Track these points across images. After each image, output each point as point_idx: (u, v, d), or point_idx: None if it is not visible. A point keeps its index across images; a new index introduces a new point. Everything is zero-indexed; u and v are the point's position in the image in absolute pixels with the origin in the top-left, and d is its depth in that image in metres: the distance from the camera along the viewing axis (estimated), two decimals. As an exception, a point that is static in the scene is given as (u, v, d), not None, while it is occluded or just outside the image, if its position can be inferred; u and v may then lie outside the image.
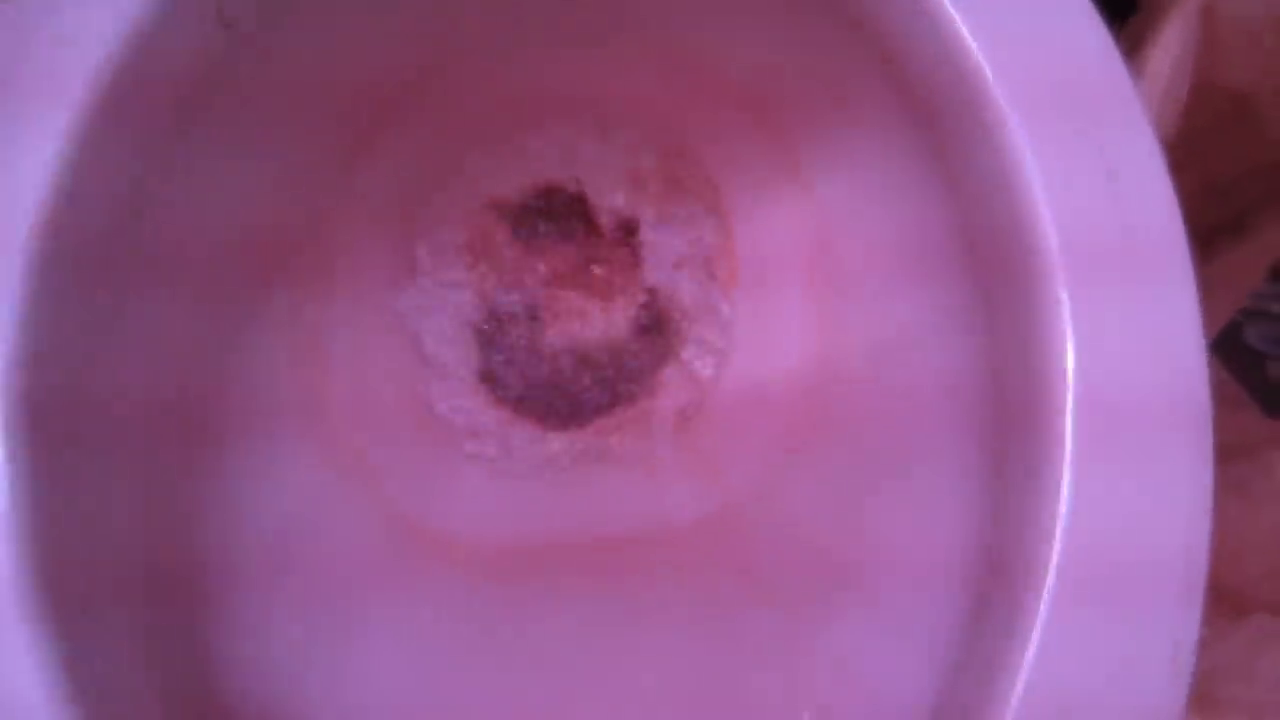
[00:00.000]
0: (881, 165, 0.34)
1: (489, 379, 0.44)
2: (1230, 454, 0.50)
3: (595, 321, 0.46)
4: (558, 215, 0.47)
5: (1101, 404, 0.23)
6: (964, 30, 0.26)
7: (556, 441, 0.42)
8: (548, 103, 0.46)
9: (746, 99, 0.42)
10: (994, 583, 0.24)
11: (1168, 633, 0.20)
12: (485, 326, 0.45)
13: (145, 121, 0.30)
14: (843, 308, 0.38)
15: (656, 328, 0.46)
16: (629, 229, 0.47)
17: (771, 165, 0.43)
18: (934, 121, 0.29)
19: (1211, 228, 0.52)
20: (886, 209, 0.34)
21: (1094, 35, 0.27)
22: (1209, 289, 0.53)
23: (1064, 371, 0.23)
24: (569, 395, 0.44)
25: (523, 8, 0.41)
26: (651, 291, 0.46)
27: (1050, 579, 0.21)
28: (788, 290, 0.42)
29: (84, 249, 0.28)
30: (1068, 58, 0.27)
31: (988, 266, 0.27)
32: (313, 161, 0.38)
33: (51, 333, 0.27)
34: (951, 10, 0.26)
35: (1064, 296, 0.25)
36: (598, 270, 0.47)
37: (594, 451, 0.41)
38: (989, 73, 0.26)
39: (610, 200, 0.47)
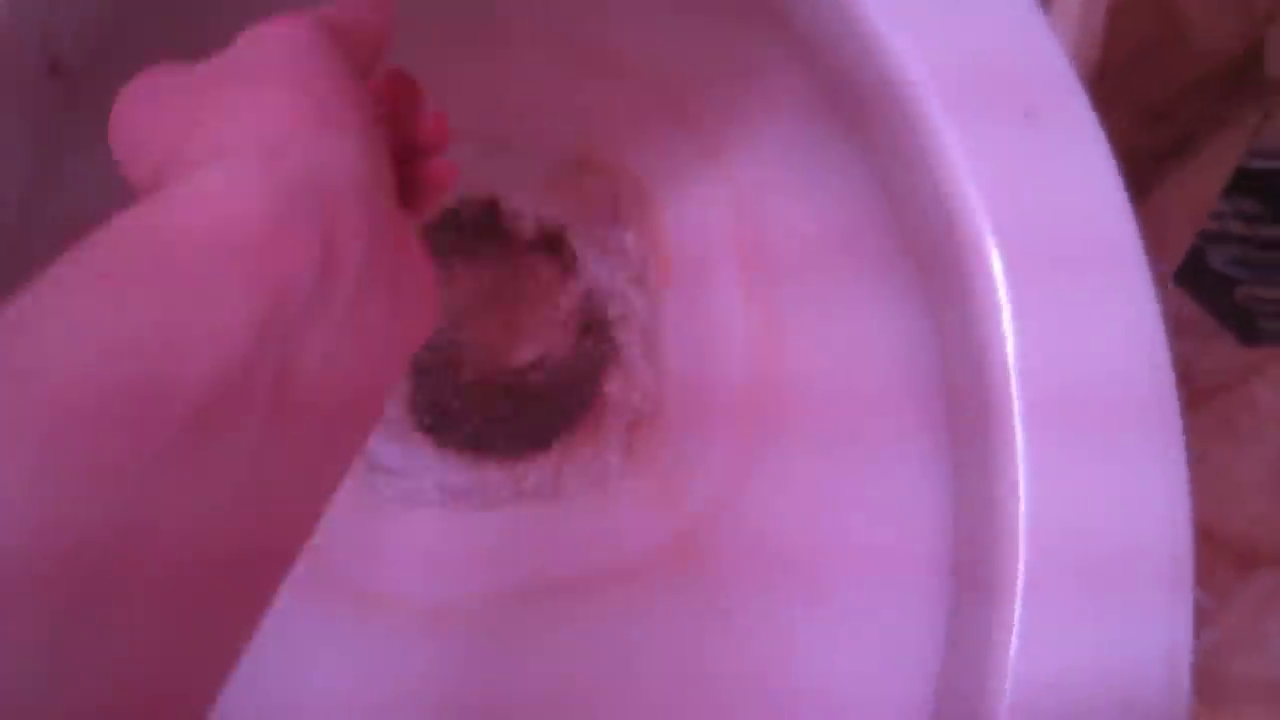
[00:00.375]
0: (804, 152, 0.32)
1: (422, 419, 0.41)
2: (1211, 391, 0.48)
3: (526, 341, 0.43)
4: (475, 232, 0.44)
5: (1050, 396, 0.20)
6: (879, 20, 0.24)
7: (499, 476, 0.39)
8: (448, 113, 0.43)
9: (661, 92, 0.40)
10: (967, 584, 0.21)
11: (1158, 626, 0.18)
12: (421, 369, 0.42)
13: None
14: (782, 304, 0.36)
15: (592, 340, 0.43)
16: (553, 238, 0.44)
17: (693, 157, 0.40)
18: (855, 109, 0.27)
19: (1157, 152, 0.50)
20: (813, 199, 0.32)
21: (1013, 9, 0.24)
22: (1163, 217, 0.51)
23: (1005, 364, 0.21)
24: (508, 424, 0.42)
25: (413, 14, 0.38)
26: (585, 299, 0.44)
27: (1020, 576, 0.18)
28: (724, 289, 0.39)
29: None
30: (987, 37, 0.24)
31: (924, 258, 0.25)
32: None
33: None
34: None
35: (1000, 288, 0.22)
36: (523, 285, 0.44)
37: (542, 485, 0.39)
38: (908, 58, 0.23)
39: (530, 209, 0.44)
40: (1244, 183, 0.43)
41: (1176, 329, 0.49)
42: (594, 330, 0.43)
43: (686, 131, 0.40)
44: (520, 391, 0.42)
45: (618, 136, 0.42)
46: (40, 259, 0.15)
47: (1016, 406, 0.20)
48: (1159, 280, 0.48)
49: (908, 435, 0.27)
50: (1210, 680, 0.39)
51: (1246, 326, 0.46)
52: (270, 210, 0.16)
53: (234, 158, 0.17)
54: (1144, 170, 0.51)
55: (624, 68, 0.40)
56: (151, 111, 0.19)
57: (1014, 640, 0.19)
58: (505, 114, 0.43)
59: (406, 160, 0.24)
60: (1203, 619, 0.44)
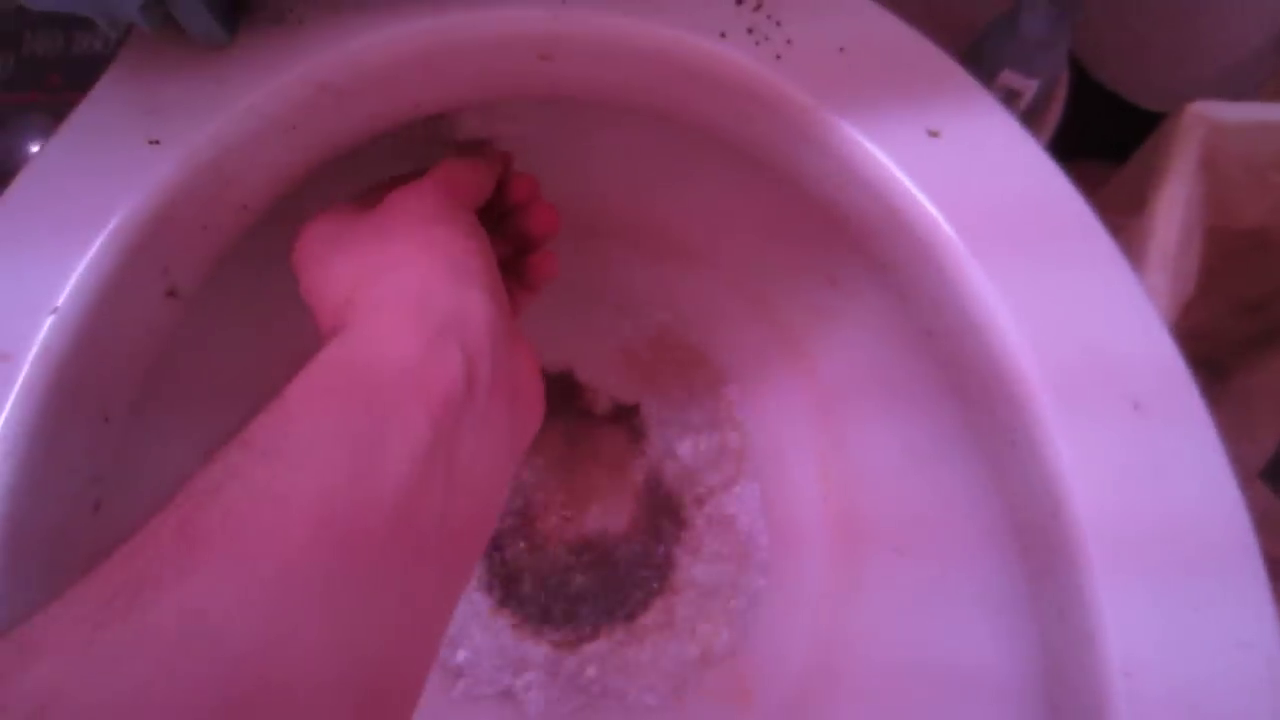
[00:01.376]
0: (891, 368, 0.32)
1: (502, 601, 0.41)
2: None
3: (594, 511, 0.44)
4: (557, 406, 0.45)
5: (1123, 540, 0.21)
6: (934, 211, 0.25)
7: (571, 657, 0.39)
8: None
9: (740, 285, 0.41)
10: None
11: None
12: (492, 545, 0.43)
13: (99, 406, 0.28)
14: (864, 555, 0.36)
15: (665, 515, 0.43)
16: (630, 415, 0.45)
17: (769, 345, 0.41)
18: (909, 286, 0.27)
19: (1249, 339, 0.49)
20: (899, 415, 0.32)
21: (1045, 174, 0.25)
22: (1248, 404, 0.49)
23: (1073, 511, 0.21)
24: (579, 596, 0.42)
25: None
26: (654, 474, 0.44)
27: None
28: (801, 470, 0.39)
29: (44, 542, 0.26)
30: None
31: (1024, 536, 0.25)
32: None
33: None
34: (917, 194, 0.25)
35: (1052, 428, 0.22)
36: (602, 458, 0.45)
37: (615, 665, 0.38)
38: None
39: (606, 384, 0.45)
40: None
41: (1264, 526, 0.47)
42: (661, 507, 0.43)
43: (767, 323, 0.41)
44: (599, 561, 0.42)
45: (699, 323, 0.43)
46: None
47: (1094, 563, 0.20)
48: (1244, 477, 0.47)
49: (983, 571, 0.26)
50: None
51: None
52: (425, 345, 0.22)
53: (393, 311, 0.23)
54: (1238, 354, 0.51)
55: (708, 261, 0.41)
56: (327, 258, 0.26)
57: None
58: (591, 294, 0.44)
59: (521, 249, 0.32)
60: None
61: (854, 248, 0.29)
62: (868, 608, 0.34)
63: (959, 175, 0.25)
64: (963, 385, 0.26)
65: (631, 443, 0.44)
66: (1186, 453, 0.23)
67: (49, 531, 0.27)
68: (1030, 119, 0.43)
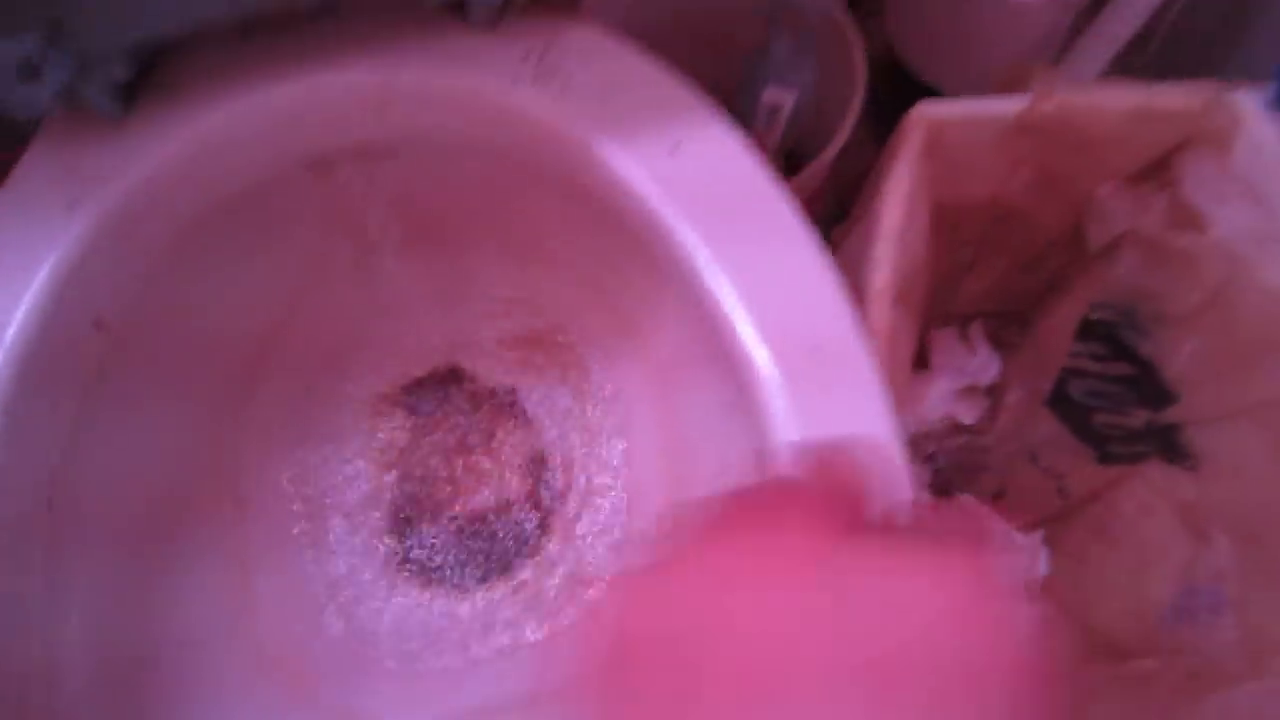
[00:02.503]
0: (678, 313, 0.40)
1: (403, 563, 0.49)
2: (1084, 502, 0.55)
3: (485, 485, 0.51)
4: (440, 394, 0.53)
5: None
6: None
7: (469, 607, 0.47)
8: (420, 294, 0.52)
9: (589, 277, 0.48)
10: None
11: None
12: (397, 515, 0.50)
13: (49, 417, 0.35)
14: (684, 440, 0.44)
15: (540, 482, 0.51)
16: (510, 396, 0.52)
17: (614, 329, 0.49)
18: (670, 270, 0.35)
19: (1031, 293, 0.58)
20: (690, 346, 0.40)
21: (757, 175, 0.33)
22: (1039, 347, 0.58)
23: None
24: (482, 554, 0.49)
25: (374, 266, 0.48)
26: (536, 446, 0.52)
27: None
28: (647, 450, 0.47)
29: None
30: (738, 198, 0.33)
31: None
32: (206, 415, 0.44)
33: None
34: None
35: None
36: (485, 436, 0.52)
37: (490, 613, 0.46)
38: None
39: (491, 375, 0.53)
40: (1090, 329, 0.51)
41: (1053, 447, 0.56)
42: (537, 475, 0.51)
43: (610, 312, 0.49)
44: (493, 522, 0.50)
45: (557, 314, 0.51)
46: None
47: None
48: (1036, 399, 0.55)
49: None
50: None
51: (1102, 448, 0.53)
52: None
53: None
54: (1029, 306, 0.60)
55: (566, 265, 0.49)
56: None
57: None
58: (467, 295, 0.52)
59: None
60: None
61: (640, 245, 0.37)
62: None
63: (690, 183, 0.33)
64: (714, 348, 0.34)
65: (513, 420, 0.52)
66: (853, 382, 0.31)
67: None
68: (832, 115, 0.52)
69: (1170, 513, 0.50)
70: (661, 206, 0.33)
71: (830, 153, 0.49)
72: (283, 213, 0.42)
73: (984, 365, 0.60)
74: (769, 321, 0.32)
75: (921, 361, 0.62)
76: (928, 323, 0.61)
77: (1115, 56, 0.57)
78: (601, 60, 0.35)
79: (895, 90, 0.67)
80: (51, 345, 0.34)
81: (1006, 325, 0.62)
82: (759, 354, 0.32)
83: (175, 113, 0.35)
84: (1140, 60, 0.61)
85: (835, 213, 0.68)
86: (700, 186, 0.33)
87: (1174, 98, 0.42)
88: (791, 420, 0.31)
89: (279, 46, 0.36)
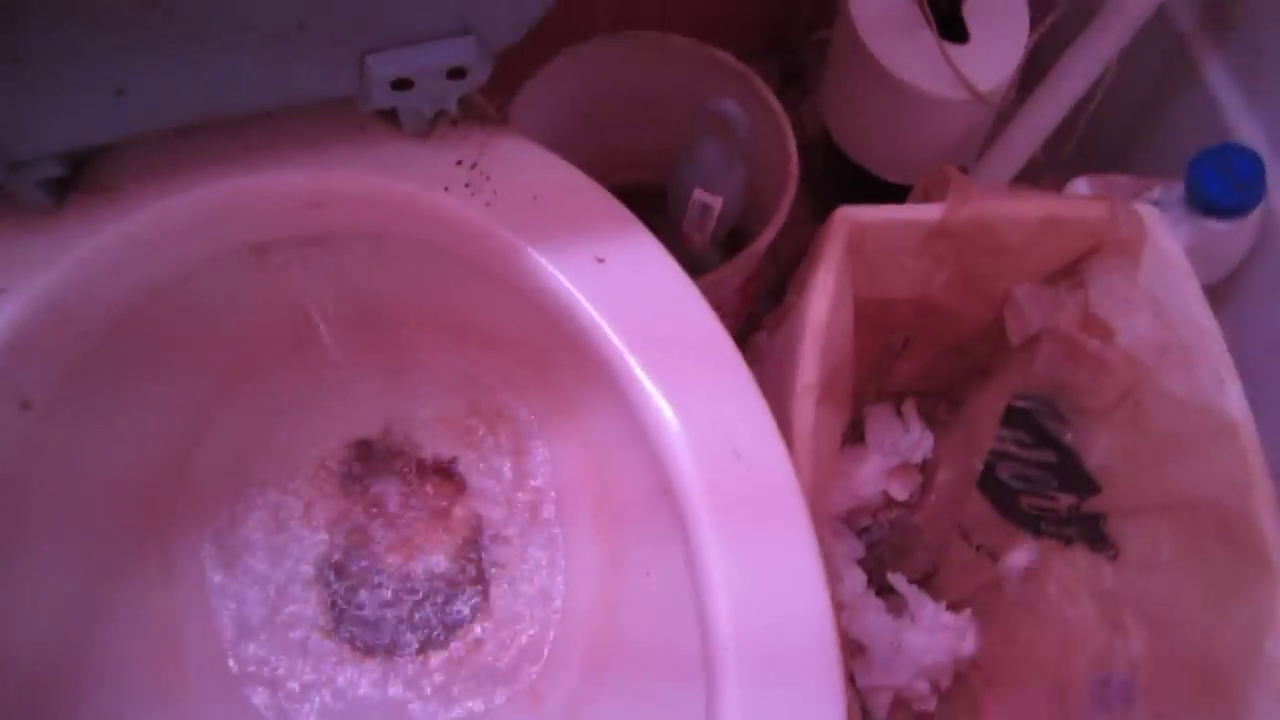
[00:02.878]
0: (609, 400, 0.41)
1: (330, 628, 0.49)
2: (1021, 578, 0.56)
3: (421, 553, 0.51)
4: (381, 464, 0.53)
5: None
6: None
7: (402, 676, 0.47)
8: (360, 370, 0.53)
9: (524, 356, 0.49)
10: None
11: None
12: (326, 580, 0.50)
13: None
14: (620, 542, 0.45)
15: (474, 554, 0.51)
16: (449, 468, 0.53)
17: (553, 407, 0.50)
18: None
19: (960, 374, 0.60)
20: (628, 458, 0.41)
21: (681, 288, 0.34)
22: (968, 429, 0.60)
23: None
24: (409, 626, 0.49)
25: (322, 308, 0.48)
26: (474, 520, 0.52)
27: None
28: (582, 526, 0.48)
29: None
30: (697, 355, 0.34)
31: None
32: (137, 493, 0.44)
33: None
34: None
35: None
36: (425, 506, 0.53)
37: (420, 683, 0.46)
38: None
39: (432, 445, 0.53)
40: (1015, 416, 0.53)
41: (981, 530, 0.58)
42: (475, 546, 0.51)
43: (549, 388, 0.49)
44: (425, 592, 0.50)
45: (499, 389, 0.52)
46: None
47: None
48: (967, 480, 0.57)
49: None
50: None
51: (1031, 527, 0.54)
52: None
53: None
54: (955, 387, 0.61)
55: (500, 340, 0.50)
56: None
57: None
58: (405, 370, 0.53)
59: None
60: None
61: (572, 342, 0.38)
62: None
63: (616, 293, 0.34)
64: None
65: (452, 490, 0.53)
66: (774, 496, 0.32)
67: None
68: (771, 193, 0.54)
69: (1093, 599, 0.51)
70: (589, 317, 0.35)
71: (764, 241, 0.51)
72: (220, 296, 0.43)
73: (917, 442, 0.62)
74: (694, 432, 0.33)
75: (857, 434, 0.63)
76: (862, 399, 0.62)
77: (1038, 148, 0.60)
78: (530, 170, 0.37)
79: (833, 165, 0.69)
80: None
81: (938, 403, 0.63)
82: (684, 463, 0.33)
83: (108, 206, 0.36)
84: (1062, 151, 0.64)
85: (775, 288, 0.70)
86: (625, 299, 0.34)
87: (1084, 207, 0.44)
88: (712, 536, 0.32)
89: (215, 144, 0.36)
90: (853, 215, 0.43)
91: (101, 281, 0.36)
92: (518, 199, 0.36)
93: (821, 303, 0.41)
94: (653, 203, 0.69)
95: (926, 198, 0.45)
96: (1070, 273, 0.46)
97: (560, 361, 0.46)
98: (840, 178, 0.69)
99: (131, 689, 0.43)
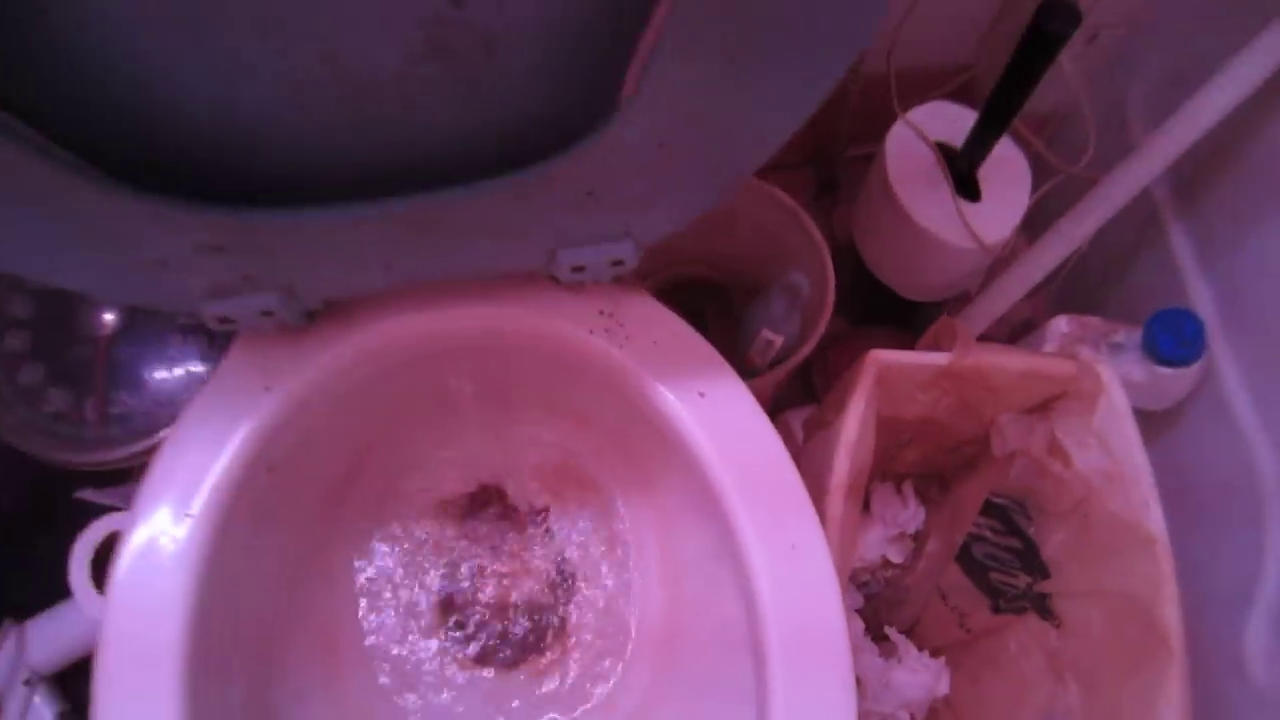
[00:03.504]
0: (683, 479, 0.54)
1: (441, 633, 0.62)
2: (980, 636, 0.70)
3: (519, 584, 0.65)
4: (489, 509, 0.66)
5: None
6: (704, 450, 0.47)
7: (495, 682, 0.61)
8: (476, 431, 0.66)
9: (613, 438, 0.63)
10: None
11: None
12: (445, 595, 0.64)
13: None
14: (684, 570, 0.58)
15: (563, 586, 0.65)
16: (542, 517, 0.66)
17: (632, 476, 0.63)
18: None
19: (952, 467, 0.73)
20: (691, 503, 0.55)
21: (759, 422, 0.48)
22: (955, 511, 0.74)
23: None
24: (508, 641, 0.63)
25: (452, 395, 0.62)
26: (559, 559, 0.65)
27: None
28: (650, 567, 0.61)
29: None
30: (766, 470, 0.48)
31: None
32: (312, 521, 0.57)
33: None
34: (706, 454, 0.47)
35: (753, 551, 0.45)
36: (522, 545, 0.66)
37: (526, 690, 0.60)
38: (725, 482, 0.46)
39: (529, 497, 0.67)
40: (991, 508, 0.67)
41: (958, 591, 0.72)
42: (561, 580, 0.65)
43: (630, 464, 0.63)
44: (519, 615, 0.64)
45: (589, 461, 0.65)
46: None
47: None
48: (949, 552, 0.70)
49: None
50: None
51: (995, 599, 0.68)
52: None
53: None
54: (950, 474, 0.75)
55: (591, 422, 0.63)
56: None
57: None
58: (513, 441, 0.66)
59: None
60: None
61: (663, 439, 0.52)
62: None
63: (712, 419, 0.48)
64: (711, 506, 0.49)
65: (544, 535, 0.66)
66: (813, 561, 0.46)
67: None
68: (810, 310, 0.67)
69: (1041, 657, 0.65)
70: (689, 433, 0.48)
71: (802, 355, 0.64)
72: (400, 382, 0.56)
73: (912, 516, 0.75)
74: (758, 528, 0.47)
75: (864, 507, 0.77)
76: (870, 479, 0.76)
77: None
78: (652, 321, 0.50)
79: (859, 272, 0.83)
80: (238, 483, 0.48)
81: (931, 484, 0.77)
82: (755, 553, 0.46)
83: (346, 327, 0.49)
84: (1047, 292, 0.78)
85: (809, 369, 0.83)
86: (716, 424, 0.48)
87: (1056, 365, 0.57)
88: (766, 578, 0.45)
89: (424, 287, 0.50)
90: (881, 358, 0.57)
91: (336, 378, 0.50)
92: (644, 342, 0.50)
93: (854, 424, 0.55)
94: (704, 292, 0.83)
95: (936, 344, 0.59)
96: (1043, 409, 0.60)
97: (645, 447, 0.60)
98: (863, 283, 0.83)
99: (308, 655, 0.56)
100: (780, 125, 0.38)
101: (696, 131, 0.37)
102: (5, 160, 0.30)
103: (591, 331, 0.50)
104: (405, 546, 0.64)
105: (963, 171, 0.71)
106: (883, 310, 0.86)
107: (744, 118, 0.37)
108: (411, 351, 0.52)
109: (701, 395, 0.49)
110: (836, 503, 0.54)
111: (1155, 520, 0.55)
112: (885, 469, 0.75)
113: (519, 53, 0.34)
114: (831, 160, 0.96)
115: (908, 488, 0.76)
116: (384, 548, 0.64)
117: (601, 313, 0.50)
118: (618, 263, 0.46)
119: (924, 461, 0.73)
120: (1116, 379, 0.57)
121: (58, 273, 0.38)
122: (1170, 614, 0.54)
